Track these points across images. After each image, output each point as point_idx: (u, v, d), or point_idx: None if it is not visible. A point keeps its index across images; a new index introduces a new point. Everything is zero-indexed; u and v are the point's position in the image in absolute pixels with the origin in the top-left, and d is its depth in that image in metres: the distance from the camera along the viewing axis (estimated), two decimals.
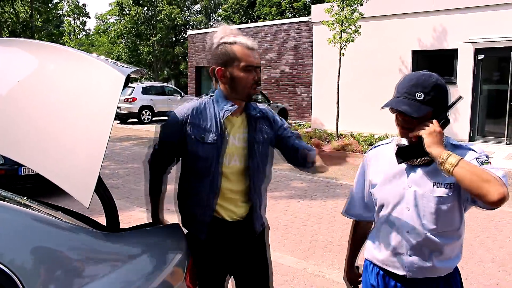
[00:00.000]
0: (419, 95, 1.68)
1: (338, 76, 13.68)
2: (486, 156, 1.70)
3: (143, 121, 19.65)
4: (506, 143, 12.98)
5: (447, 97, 1.76)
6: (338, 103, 13.50)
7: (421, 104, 1.68)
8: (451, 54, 13.87)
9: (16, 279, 1.07)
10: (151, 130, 17.29)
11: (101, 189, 1.65)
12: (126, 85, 1.61)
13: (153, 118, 20.22)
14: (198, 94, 24.40)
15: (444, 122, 1.75)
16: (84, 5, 33.08)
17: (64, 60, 1.71)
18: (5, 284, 1.05)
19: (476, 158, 1.66)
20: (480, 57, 13.38)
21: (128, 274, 1.42)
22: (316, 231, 5.72)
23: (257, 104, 2.20)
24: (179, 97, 21.74)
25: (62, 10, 34.63)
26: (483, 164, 1.64)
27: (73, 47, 17.02)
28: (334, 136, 13.82)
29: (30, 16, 31.18)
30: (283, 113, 19.30)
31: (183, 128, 2.02)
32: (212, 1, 52.71)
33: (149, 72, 39.48)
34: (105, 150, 1.42)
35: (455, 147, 1.74)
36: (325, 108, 15.52)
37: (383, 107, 1.76)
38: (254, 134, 2.10)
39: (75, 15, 32.02)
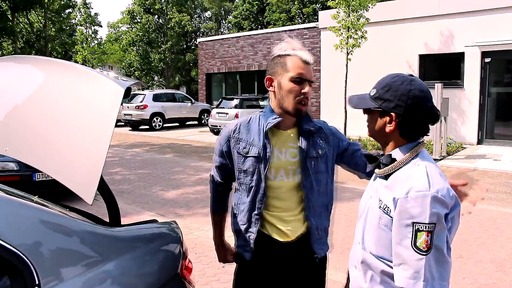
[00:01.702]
0: (372, 91, 1.63)
1: (346, 81, 13.82)
2: (426, 222, 1.41)
3: (154, 128, 19.94)
4: None
5: (400, 100, 1.53)
6: (345, 107, 13.63)
7: (369, 98, 1.63)
8: (458, 58, 13.94)
9: (31, 265, 1.26)
10: (162, 137, 17.57)
11: (104, 189, 1.83)
12: (127, 96, 1.80)
13: (164, 125, 20.51)
14: (209, 100, 24.65)
15: (405, 130, 1.57)
16: (96, 14, 33.60)
17: (70, 74, 1.91)
18: (23, 270, 1.24)
19: (413, 223, 1.42)
20: (487, 60, 13.43)
21: (128, 262, 1.61)
22: None
23: (314, 119, 2.09)
24: (190, 104, 22.02)
25: (75, 19, 35.23)
26: (416, 232, 1.42)
27: (85, 56, 17.48)
28: None
29: (44, 26, 31.77)
30: None
31: (229, 142, 2.02)
32: (222, 8, 53.15)
33: (160, 79, 39.90)
34: (106, 154, 1.61)
35: (412, 171, 1.52)
36: (334, 112, 15.64)
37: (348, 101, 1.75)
38: (306, 149, 1.98)
39: (87, 24, 32.54)
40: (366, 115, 1.69)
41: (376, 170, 1.64)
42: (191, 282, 1.95)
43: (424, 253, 1.42)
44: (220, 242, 2.26)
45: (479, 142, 13.77)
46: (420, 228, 1.42)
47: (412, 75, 1.60)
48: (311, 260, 2.03)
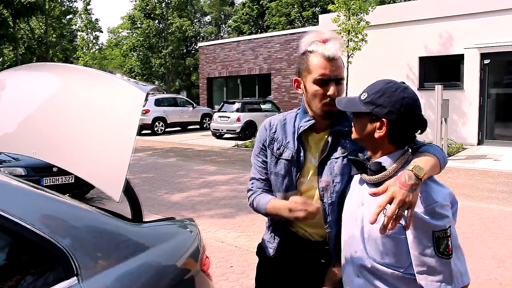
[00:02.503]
0: (363, 95, 1.60)
1: (347, 83, 13.95)
2: (446, 229, 1.46)
3: (157, 132, 20.07)
4: None
5: (394, 106, 1.54)
6: None
7: (359, 102, 1.60)
8: (458, 60, 14.09)
9: (71, 256, 1.39)
10: (164, 141, 17.70)
11: (127, 188, 1.95)
12: (146, 100, 1.92)
13: (166, 129, 20.65)
14: (210, 104, 24.79)
15: (395, 137, 1.58)
16: (97, 20, 33.79)
17: (94, 80, 2.04)
18: (64, 260, 1.37)
19: (433, 232, 1.46)
20: (486, 61, 13.58)
21: (154, 257, 1.73)
22: None
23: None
24: (191, 108, 22.17)
25: (76, 25, 35.44)
26: (438, 240, 1.46)
27: (86, 61, 17.63)
28: None
29: (45, 32, 32.00)
30: None
31: (266, 140, 1.94)
32: (222, 12, 53.40)
33: (161, 84, 40.07)
34: (131, 154, 1.73)
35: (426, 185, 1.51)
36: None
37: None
38: (330, 152, 1.85)
39: (88, 30, 32.76)
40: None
41: (366, 177, 1.62)
42: (209, 275, 2.07)
43: (450, 257, 1.47)
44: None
45: (480, 142, 13.89)
46: (440, 236, 1.46)
47: (404, 83, 1.59)
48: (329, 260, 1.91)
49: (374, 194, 1.48)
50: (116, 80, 1.98)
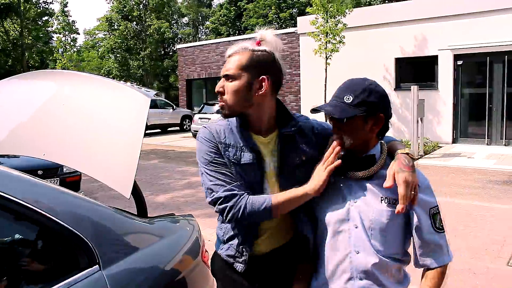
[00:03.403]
0: (348, 98, 1.59)
1: (325, 85, 14.25)
2: (437, 205, 1.64)
3: None
4: (487, 144, 13.60)
5: (383, 101, 1.63)
6: (326, 117, 14.02)
7: (348, 106, 1.59)
8: (432, 61, 14.52)
9: (93, 247, 1.55)
10: (145, 143, 17.68)
11: (134, 187, 2.11)
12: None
13: (146, 132, 20.63)
14: (190, 106, 24.85)
15: (382, 128, 1.67)
16: (73, 21, 33.47)
17: (102, 86, 2.20)
18: (86, 250, 1.54)
19: (430, 208, 1.61)
20: (459, 62, 14.03)
21: (162, 248, 1.91)
22: None
23: (297, 115, 1.88)
24: (171, 110, 22.20)
25: (52, 27, 35.04)
26: (434, 216, 1.60)
27: (64, 63, 17.48)
28: None
29: (20, 34, 31.56)
30: None
31: (218, 147, 1.71)
32: (200, 14, 53.37)
33: (139, 86, 39.88)
34: (139, 155, 1.89)
35: None
36: (314, 116, 16.02)
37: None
38: (285, 158, 1.74)
39: (66, 33, 32.46)
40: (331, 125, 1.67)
41: (359, 173, 1.63)
42: (209, 266, 2.24)
43: (444, 230, 1.64)
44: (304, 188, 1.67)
45: (454, 141, 14.35)
46: (435, 212, 1.62)
47: (367, 78, 1.68)
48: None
49: (390, 187, 1.55)
50: (123, 87, 2.14)
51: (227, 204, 1.63)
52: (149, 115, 15.85)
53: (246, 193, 1.66)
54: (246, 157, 1.70)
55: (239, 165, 1.69)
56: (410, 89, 11.84)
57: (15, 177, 1.63)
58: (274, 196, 1.65)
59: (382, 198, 1.61)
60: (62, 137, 2.13)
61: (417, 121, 11.86)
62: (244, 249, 1.76)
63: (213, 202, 1.67)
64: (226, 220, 1.69)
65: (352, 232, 1.63)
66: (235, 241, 1.79)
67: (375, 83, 1.65)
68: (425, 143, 13.04)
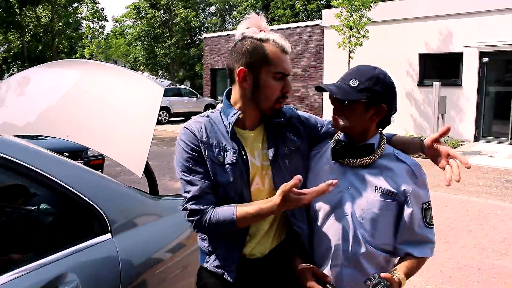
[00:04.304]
0: (354, 82, 1.58)
1: None
2: (429, 200, 1.66)
3: (161, 122, 20.46)
4: (510, 143, 13.45)
5: (389, 93, 1.61)
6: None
7: (352, 90, 1.58)
8: (457, 57, 14.39)
9: (106, 216, 1.77)
10: (168, 130, 18.06)
11: (146, 167, 2.32)
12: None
13: (170, 119, 21.02)
14: (214, 95, 25.14)
15: (383, 120, 1.65)
16: (102, 9, 34.08)
17: (122, 76, 2.41)
18: (100, 218, 1.75)
19: (422, 203, 1.62)
20: (485, 60, 13.86)
21: (169, 223, 2.12)
22: None
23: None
24: (195, 99, 22.53)
25: (82, 14, 35.75)
26: (425, 211, 1.62)
27: (92, 50, 18.04)
28: None
29: (51, 20, 32.30)
30: None
31: (200, 147, 1.61)
32: (227, 3, 53.51)
33: (165, 74, 40.39)
34: (151, 138, 2.09)
35: (397, 160, 1.66)
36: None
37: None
38: (276, 148, 1.68)
39: (94, 20, 33.11)
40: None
41: (357, 161, 1.62)
42: None
43: (433, 225, 1.67)
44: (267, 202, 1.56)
45: (476, 139, 14.23)
46: (427, 207, 1.63)
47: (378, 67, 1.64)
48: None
49: (467, 163, 1.56)
50: (139, 77, 2.34)
51: (193, 218, 1.58)
52: (173, 103, 16.26)
53: (211, 206, 1.58)
54: (230, 156, 1.61)
55: (224, 165, 1.60)
56: (432, 85, 11.80)
57: (46, 155, 1.84)
58: (240, 209, 1.55)
59: (376, 188, 1.60)
60: (84, 120, 2.35)
61: (438, 118, 11.83)
62: (233, 256, 1.64)
63: (185, 212, 1.61)
64: (195, 231, 1.66)
65: (343, 220, 1.62)
66: (222, 249, 1.66)
67: (384, 73, 1.62)
68: (445, 140, 12.98)
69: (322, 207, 1.67)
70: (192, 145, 1.61)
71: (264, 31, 1.62)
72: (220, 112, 1.69)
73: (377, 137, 1.67)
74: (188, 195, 1.59)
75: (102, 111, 2.33)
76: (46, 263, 1.52)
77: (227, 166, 1.60)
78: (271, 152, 1.67)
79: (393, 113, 1.67)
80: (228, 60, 1.66)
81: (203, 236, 1.71)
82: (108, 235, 1.76)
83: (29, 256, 1.62)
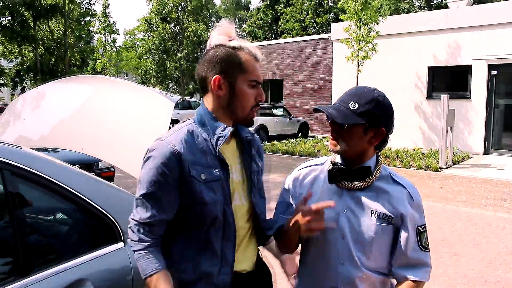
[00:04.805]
0: (353, 105, 1.57)
1: None
2: (424, 223, 1.65)
3: None
4: None
5: (387, 115, 1.61)
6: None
7: (352, 113, 1.56)
8: (465, 70, 14.41)
9: (118, 224, 1.86)
10: None
11: None
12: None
13: None
14: None
15: (381, 142, 1.65)
16: (114, 22, 34.59)
17: (134, 91, 2.53)
18: (114, 226, 1.84)
19: (417, 226, 1.61)
20: (494, 72, 13.88)
21: None
22: None
23: None
24: None
25: (94, 27, 36.29)
26: (420, 235, 1.62)
27: (103, 63, 18.44)
28: None
29: (64, 33, 32.81)
30: (304, 127, 20.04)
31: (180, 165, 1.52)
32: (237, 17, 54.03)
33: (175, 87, 40.74)
34: None
35: (394, 182, 1.65)
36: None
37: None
38: (250, 163, 1.69)
39: (106, 33, 33.64)
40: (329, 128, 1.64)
41: (353, 184, 1.62)
42: None
43: (429, 249, 1.65)
44: None
45: (486, 152, 14.19)
46: (422, 230, 1.62)
47: (376, 88, 1.64)
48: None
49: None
50: (151, 92, 2.45)
51: (137, 243, 1.54)
52: (183, 116, 16.60)
53: (156, 241, 1.54)
54: (214, 173, 1.56)
55: (208, 182, 1.55)
56: (441, 98, 11.83)
57: (67, 168, 1.95)
58: (158, 276, 1.50)
59: (372, 212, 1.59)
60: (97, 134, 2.47)
61: (447, 131, 11.83)
62: (224, 278, 1.60)
63: (130, 225, 1.57)
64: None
65: (339, 242, 1.61)
66: (212, 274, 1.59)
67: (383, 95, 1.61)
68: (454, 153, 12.97)
69: (320, 232, 1.63)
70: (166, 167, 1.50)
71: (236, 39, 1.63)
72: (197, 125, 1.61)
73: (374, 159, 1.66)
74: (142, 219, 1.52)
75: (115, 124, 2.44)
76: (66, 268, 1.62)
77: (212, 183, 1.55)
78: (246, 167, 1.67)
79: (390, 133, 1.66)
80: (199, 69, 1.62)
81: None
82: (121, 244, 1.86)
83: (51, 261, 1.72)
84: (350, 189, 1.63)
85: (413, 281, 1.61)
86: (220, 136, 1.57)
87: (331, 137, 1.64)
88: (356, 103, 1.57)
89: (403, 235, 1.59)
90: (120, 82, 2.69)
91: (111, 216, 1.84)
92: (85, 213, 1.85)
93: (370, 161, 1.64)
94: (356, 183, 1.61)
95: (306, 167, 1.78)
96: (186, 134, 1.57)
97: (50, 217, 1.94)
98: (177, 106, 21.34)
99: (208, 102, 1.62)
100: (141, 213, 1.53)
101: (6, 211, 1.66)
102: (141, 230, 1.52)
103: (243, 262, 1.67)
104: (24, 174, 1.66)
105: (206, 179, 1.54)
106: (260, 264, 1.76)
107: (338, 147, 1.61)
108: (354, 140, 1.59)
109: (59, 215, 1.94)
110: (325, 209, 1.56)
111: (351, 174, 1.62)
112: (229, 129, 1.58)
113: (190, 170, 1.52)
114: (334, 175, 1.62)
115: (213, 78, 1.57)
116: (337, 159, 1.68)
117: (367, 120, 1.56)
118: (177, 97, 2.47)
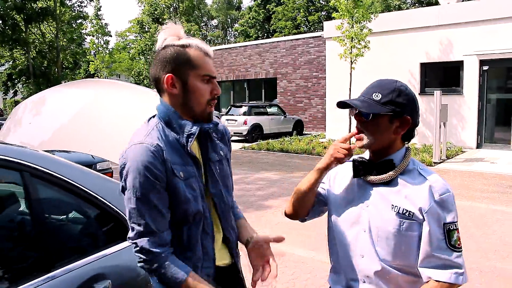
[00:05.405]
0: (376, 96, 1.58)
1: (350, 88, 14.48)
2: (455, 221, 1.57)
3: None
4: None
5: (412, 104, 1.60)
6: (350, 114, 14.24)
7: (376, 103, 1.57)
8: (457, 66, 14.58)
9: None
10: None
11: None
12: None
13: None
14: (217, 107, 25.38)
15: (407, 133, 1.64)
16: (106, 24, 34.54)
17: (136, 93, 2.62)
18: (126, 224, 1.93)
19: (444, 223, 1.53)
20: (485, 68, 14.05)
21: None
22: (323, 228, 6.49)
23: None
24: None
25: (86, 29, 36.21)
26: (449, 232, 1.53)
27: (96, 65, 18.56)
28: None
29: (56, 36, 32.71)
30: (299, 124, 20.14)
31: (165, 164, 1.53)
32: (229, 16, 54.05)
33: None
34: None
35: (419, 176, 1.61)
36: (338, 119, 16.29)
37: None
38: (208, 154, 1.71)
39: (98, 35, 33.58)
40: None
41: (375, 177, 1.61)
42: None
43: (461, 250, 1.56)
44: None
45: (478, 146, 14.36)
46: (451, 228, 1.53)
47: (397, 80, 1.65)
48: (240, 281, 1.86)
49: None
50: (152, 93, 2.54)
51: (144, 257, 1.51)
52: None
53: (167, 251, 1.53)
54: (190, 170, 1.59)
55: (187, 179, 1.57)
56: (433, 94, 11.97)
57: (79, 168, 2.03)
58: (192, 278, 1.52)
59: (393, 206, 1.57)
60: (104, 135, 2.55)
61: (440, 126, 11.98)
62: (209, 271, 1.65)
63: (135, 245, 1.53)
64: (139, 265, 1.55)
65: (360, 236, 1.62)
66: (197, 269, 1.62)
67: (405, 85, 1.62)
68: (448, 148, 13.13)
69: (342, 222, 1.69)
70: (154, 169, 1.49)
71: (184, 38, 1.64)
72: (162, 125, 1.62)
73: (401, 152, 1.64)
74: (140, 228, 1.49)
75: (120, 126, 2.52)
76: (85, 263, 1.71)
77: (189, 180, 1.57)
78: (203, 158, 1.68)
79: (416, 126, 1.66)
80: (151, 71, 1.64)
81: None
82: None
83: (73, 257, 1.81)
84: (374, 183, 1.62)
85: (438, 282, 1.52)
86: (191, 134, 1.59)
87: (355, 132, 1.64)
88: (379, 94, 1.58)
89: (425, 231, 1.53)
90: (124, 85, 2.77)
91: (123, 213, 1.93)
92: (101, 211, 1.94)
93: (397, 154, 1.63)
94: (379, 176, 1.60)
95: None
96: (159, 134, 1.57)
97: (65, 216, 2.03)
98: None
99: (168, 101, 1.63)
100: (140, 223, 1.49)
101: (27, 210, 1.75)
102: (151, 242, 1.49)
103: (223, 254, 1.73)
104: (42, 175, 1.75)
105: (184, 176, 1.56)
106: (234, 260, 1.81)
107: (364, 142, 1.61)
108: (380, 131, 1.59)
109: (74, 214, 2.03)
110: (349, 202, 1.66)
111: (374, 168, 1.62)
112: (197, 127, 1.61)
113: (173, 169, 1.53)
114: (358, 169, 1.64)
115: (165, 77, 1.59)
116: (365, 155, 1.70)
117: (392, 109, 1.57)
118: None
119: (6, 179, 1.77)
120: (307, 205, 1.78)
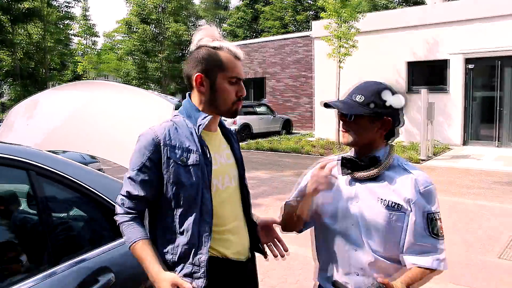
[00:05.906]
0: (360, 98, 1.67)
1: (338, 87, 14.63)
2: (438, 211, 1.66)
3: None
4: (497, 146, 13.86)
5: (393, 107, 1.68)
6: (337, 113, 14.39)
7: (357, 104, 1.66)
8: (443, 64, 14.81)
9: None
10: None
11: None
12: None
13: None
14: None
15: (389, 133, 1.73)
16: (93, 25, 34.38)
17: (136, 95, 2.70)
18: None
19: (427, 213, 1.62)
20: (470, 66, 14.30)
21: None
22: None
23: None
24: None
25: (73, 30, 36.00)
26: (431, 221, 1.62)
27: (84, 65, 18.57)
28: (336, 144, 14.75)
29: (43, 37, 32.49)
30: (288, 123, 20.27)
31: (160, 150, 1.66)
32: (217, 16, 54.02)
33: (157, 88, 40.63)
34: None
35: (404, 171, 1.70)
36: (326, 118, 16.43)
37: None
38: (236, 149, 1.89)
39: (86, 36, 33.39)
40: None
41: (362, 174, 1.70)
42: None
43: (443, 238, 1.65)
44: (159, 271, 1.64)
45: (464, 143, 14.61)
46: (433, 217, 1.63)
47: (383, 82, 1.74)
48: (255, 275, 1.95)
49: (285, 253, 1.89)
50: (150, 95, 2.63)
51: (117, 214, 1.73)
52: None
53: (133, 215, 1.69)
54: (193, 158, 1.68)
55: (187, 166, 1.67)
56: (420, 92, 12.16)
57: (82, 167, 2.11)
58: (139, 246, 1.66)
59: (381, 200, 1.65)
60: (102, 136, 2.63)
61: (427, 124, 12.17)
62: (200, 258, 1.66)
63: (117, 212, 1.74)
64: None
65: (351, 231, 1.69)
66: (189, 254, 1.67)
67: (390, 87, 1.70)
68: (434, 145, 13.33)
69: (332, 218, 1.75)
70: (146, 151, 1.68)
71: (218, 40, 1.76)
72: (183, 117, 1.76)
73: (385, 150, 1.74)
74: (127, 194, 1.70)
75: (118, 127, 2.60)
76: (90, 257, 1.80)
77: (190, 167, 1.67)
78: (234, 152, 1.87)
79: (400, 126, 1.75)
80: (185, 67, 1.78)
81: (165, 249, 1.71)
82: None
83: (77, 251, 1.90)
84: (361, 179, 1.71)
85: (420, 267, 1.61)
86: (201, 124, 1.72)
87: (342, 130, 1.75)
88: (362, 96, 1.67)
89: (411, 220, 1.62)
90: (122, 87, 2.85)
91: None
92: (100, 207, 2.02)
93: (380, 151, 1.72)
94: (365, 173, 1.69)
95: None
96: (170, 123, 1.73)
97: (68, 213, 2.10)
98: None
99: (193, 97, 1.79)
100: (126, 189, 1.70)
101: (34, 207, 1.83)
102: (126, 204, 1.69)
103: (237, 246, 1.78)
104: (47, 174, 1.83)
105: (185, 163, 1.66)
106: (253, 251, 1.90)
107: (348, 139, 1.72)
108: (362, 131, 1.69)
109: (78, 211, 2.11)
110: (338, 198, 1.74)
111: (360, 165, 1.71)
112: (209, 117, 1.73)
113: (168, 154, 1.65)
114: (345, 166, 1.74)
115: (196, 76, 1.72)
116: (351, 153, 1.80)
117: (372, 110, 1.66)
118: (176, 99, 2.64)
119: (13, 177, 1.84)
120: (302, 222, 1.83)
